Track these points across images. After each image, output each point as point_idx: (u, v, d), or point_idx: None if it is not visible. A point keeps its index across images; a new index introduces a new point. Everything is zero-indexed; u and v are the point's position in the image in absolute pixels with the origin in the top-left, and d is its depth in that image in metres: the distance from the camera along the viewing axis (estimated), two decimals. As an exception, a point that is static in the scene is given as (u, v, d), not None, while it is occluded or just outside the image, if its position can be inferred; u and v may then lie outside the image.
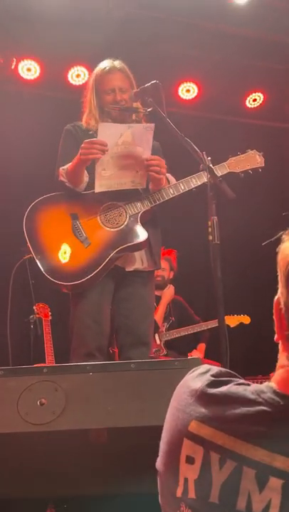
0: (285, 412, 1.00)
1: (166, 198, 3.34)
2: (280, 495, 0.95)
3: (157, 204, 3.34)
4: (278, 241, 1.06)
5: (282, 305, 1.04)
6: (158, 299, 5.91)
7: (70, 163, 3.32)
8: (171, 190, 3.35)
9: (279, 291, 1.06)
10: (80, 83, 6.07)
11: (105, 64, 3.48)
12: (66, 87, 6.16)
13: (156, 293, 5.89)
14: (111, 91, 3.42)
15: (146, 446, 1.54)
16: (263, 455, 0.98)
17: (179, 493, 1.06)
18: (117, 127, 3.28)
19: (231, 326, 5.66)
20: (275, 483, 0.96)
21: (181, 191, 3.34)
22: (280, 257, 1.05)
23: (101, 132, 3.23)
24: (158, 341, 5.55)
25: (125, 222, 3.30)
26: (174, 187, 3.35)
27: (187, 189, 3.33)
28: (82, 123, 3.51)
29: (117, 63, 3.47)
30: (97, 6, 5.45)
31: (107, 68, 3.45)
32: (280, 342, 1.09)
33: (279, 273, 1.05)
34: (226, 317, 5.48)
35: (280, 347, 1.09)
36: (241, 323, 5.82)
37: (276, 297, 1.08)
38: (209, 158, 3.04)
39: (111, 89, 3.42)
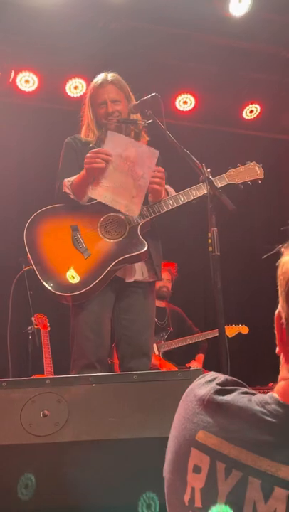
0: (288, 422, 1.01)
1: (166, 210, 3.35)
2: (284, 505, 0.96)
3: (157, 215, 3.35)
4: (277, 253, 1.07)
5: (283, 320, 1.05)
6: (163, 310, 5.95)
7: (76, 176, 3.34)
8: (170, 202, 3.36)
9: (279, 305, 1.07)
10: (78, 95, 6.10)
11: (98, 78, 3.52)
12: (64, 98, 6.18)
13: (162, 304, 5.95)
14: (103, 104, 3.46)
15: (149, 458, 1.54)
16: (268, 465, 0.99)
17: (186, 501, 1.07)
18: (124, 139, 3.30)
19: (229, 336, 5.63)
20: (280, 493, 0.97)
21: (181, 203, 3.35)
22: (280, 272, 1.05)
23: (108, 141, 3.26)
24: (156, 352, 5.55)
25: (125, 234, 3.31)
26: (174, 198, 3.36)
27: (187, 200, 3.34)
28: (81, 136, 3.54)
29: (110, 76, 3.50)
30: (95, 18, 5.49)
31: (99, 82, 3.48)
32: (281, 354, 1.10)
33: (279, 287, 1.06)
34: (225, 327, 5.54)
35: (282, 359, 1.10)
36: (239, 333, 5.84)
37: (277, 311, 1.08)
38: (209, 169, 3.07)
39: (103, 101, 3.46)
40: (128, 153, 3.25)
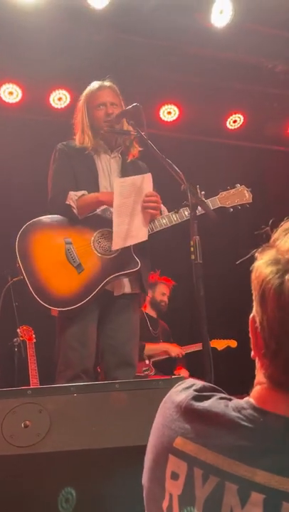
0: (264, 427, 1.01)
1: (160, 228, 3.38)
2: (261, 510, 0.96)
3: (150, 234, 3.37)
4: (252, 258, 1.07)
5: (257, 323, 1.05)
6: (156, 320, 5.98)
7: (91, 196, 3.36)
8: (164, 221, 3.40)
9: (254, 309, 1.07)
10: (62, 106, 6.11)
11: (94, 83, 3.56)
12: (48, 110, 6.18)
13: (155, 315, 5.99)
14: (102, 105, 3.48)
15: (131, 467, 1.53)
16: (245, 470, 0.98)
17: (164, 508, 1.06)
18: (128, 183, 3.35)
19: (219, 349, 5.74)
20: (256, 498, 0.97)
21: (174, 222, 3.39)
22: (253, 276, 1.05)
23: (118, 192, 3.30)
24: (147, 361, 5.58)
25: (118, 250, 3.31)
26: (167, 218, 3.40)
27: (180, 220, 3.38)
28: (75, 142, 3.54)
29: (107, 82, 3.55)
30: (78, 30, 5.50)
31: (97, 86, 3.53)
32: (256, 359, 1.10)
33: (253, 291, 1.06)
34: (214, 341, 5.64)
35: (257, 364, 1.10)
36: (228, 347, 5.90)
37: (251, 315, 1.08)
38: (203, 192, 3.12)
39: (102, 103, 3.48)
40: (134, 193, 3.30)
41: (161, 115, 6.66)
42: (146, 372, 5.49)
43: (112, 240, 3.26)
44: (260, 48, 5.90)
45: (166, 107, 6.64)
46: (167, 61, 5.98)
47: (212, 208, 3.36)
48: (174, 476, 1.06)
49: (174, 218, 3.38)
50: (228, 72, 6.22)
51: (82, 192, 3.35)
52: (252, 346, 1.09)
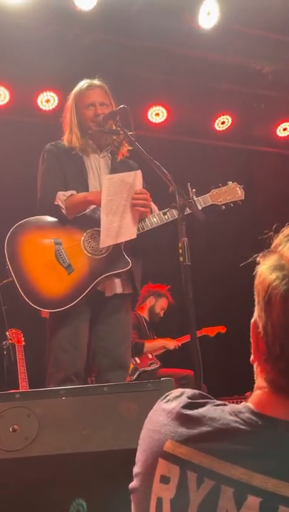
0: (263, 431, 1.01)
1: (150, 227, 3.35)
2: None
3: (140, 233, 3.34)
4: (253, 262, 1.07)
5: (260, 329, 1.05)
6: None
7: (79, 196, 3.34)
8: (155, 220, 3.36)
9: (256, 313, 1.06)
10: (50, 108, 6.11)
11: (84, 82, 3.52)
12: (36, 112, 6.17)
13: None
14: (91, 105, 3.45)
15: (121, 470, 1.53)
16: (241, 473, 0.98)
17: None
18: (118, 180, 3.33)
19: (211, 336, 6.14)
20: (252, 501, 0.96)
21: (165, 221, 3.35)
22: (257, 281, 1.05)
23: (106, 189, 3.27)
24: (150, 355, 5.81)
25: (109, 250, 3.29)
26: (158, 216, 3.36)
27: (171, 219, 3.33)
28: (63, 142, 3.51)
29: (96, 80, 3.51)
30: (65, 32, 5.50)
31: (86, 85, 3.49)
32: (255, 363, 1.10)
33: (256, 297, 1.05)
34: (204, 329, 5.89)
35: (257, 369, 1.09)
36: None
37: (253, 320, 1.08)
38: (194, 190, 3.11)
39: (91, 103, 3.45)
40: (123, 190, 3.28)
41: (150, 117, 6.66)
42: (153, 366, 5.72)
43: (100, 238, 3.24)
44: (247, 50, 5.93)
45: (154, 108, 6.65)
46: (155, 63, 5.99)
47: (203, 206, 3.34)
48: (164, 480, 1.05)
49: (166, 217, 3.34)
50: (216, 74, 6.24)
51: (71, 192, 3.34)
52: (252, 351, 1.09)
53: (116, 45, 5.75)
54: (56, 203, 3.31)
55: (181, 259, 2.80)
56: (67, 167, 3.45)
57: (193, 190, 3.19)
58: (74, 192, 3.34)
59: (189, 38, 5.58)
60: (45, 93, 6.14)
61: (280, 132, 7.19)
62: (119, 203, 3.25)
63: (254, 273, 1.05)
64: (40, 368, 3.48)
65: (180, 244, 2.81)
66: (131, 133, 3.27)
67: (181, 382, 5.09)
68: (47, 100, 6.14)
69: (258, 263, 1.05)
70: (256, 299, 1.05)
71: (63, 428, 1.85)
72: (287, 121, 7.14)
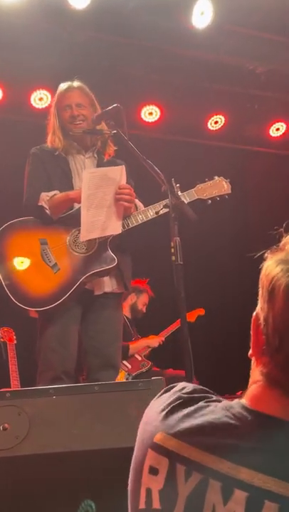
0: (251, 426, 1.01)
1: (136, 224, 3.36)
2: (243, 508, 0.96)
3: (126, 230, 3.34)
4: (261, 258, 1.09)
5: (261, 320, 1.06)
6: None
7: (61, 195, 3.34)
8: (140, 216, 3.37)
9: (259, 306, 1.07)
10: (43, 106, 6.07)
11: (64, 84, 3.56)
12: (29, 110, 6.15)
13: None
14: (68, 107, 3.48)
15: (111, 468, 1.53)
16: (229, 467, 0.98)
17: (142, 504, 1.06)
18: (99, 174, 3.33)
19: (193, 321, 5.89)
20: (239, 495, 0.97)
21: (150, 217, 3.36)
22: (263, 274, 1.07)
23: (86, 183, 3.26)
24: (139, 357, 5.70)
25: (94, 248, 3.29)
26: (143, 213, 3.37)
27: (156, 215, 3.35)
28: (47, 144, 3.54)
29: (75, 82, 3.55)
30: (59, 30, 5.49)
31: (65, 87, 3.54)
32: (253, 358, 1.10)
33: (261, 289, 1.07)
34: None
35: (253, 363, 1.10)
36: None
37: (255, 313, 1.09)
38: (178, 185, 3.09)
39: (67, 105, 3.49)
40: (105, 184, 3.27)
41: (143, 116, 6.65)
42: (146, 367, 5.61)
43: (80, 232, 3.24)
44: (241, 49, 5.94)
45: (147, 107, 6.63)
46: (148, 62, 5.99)
47: (189, 200, 3.34)
48: (153, 471, 1.06)
49: (150, 213, 3.36)
50: (209, 74, 6.24)
51: (54, 192, 3.36)
52: (251, 344, 1.10)
53: (109, 43, 5.75)
54: (40, 203, 3.33)
55: (174, 258, 2.80)
56: (51, 169, 3.47)
57: (178, 185, 3.17)
58: (57, 192, 3.36)
59: (183, 37, 5.58)
60: (38, 91, 6.12)
61: (273, 132, 7.19)
62: (102, 198, 3.26)
63: (260, 267, 1.08)
64: (33, 367, 3.47)
65: (172, 244, 2.82)
66: (124, 133, 3.27)
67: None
68: (40, 98, 6.12)
69: (266, 259, 1.07)
70: (260, 292, 1.07)
71: (54, 427, 1.85)
72: (280, 122, 7.14)
